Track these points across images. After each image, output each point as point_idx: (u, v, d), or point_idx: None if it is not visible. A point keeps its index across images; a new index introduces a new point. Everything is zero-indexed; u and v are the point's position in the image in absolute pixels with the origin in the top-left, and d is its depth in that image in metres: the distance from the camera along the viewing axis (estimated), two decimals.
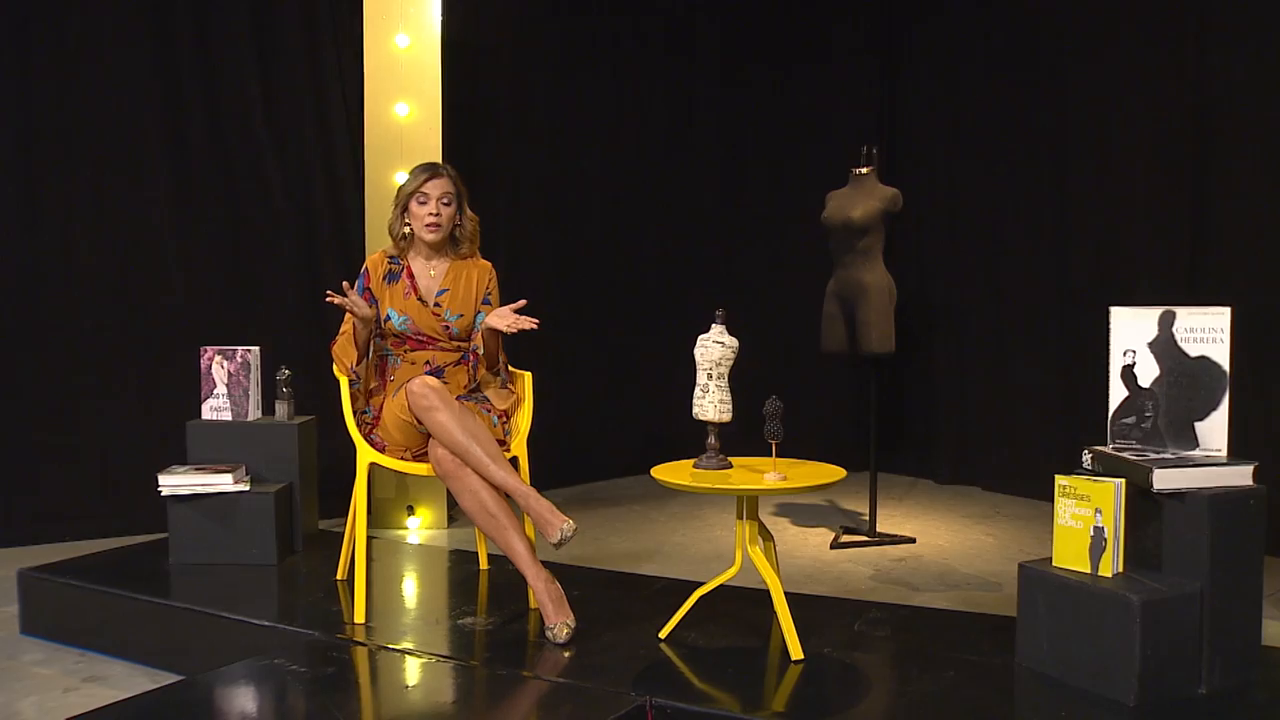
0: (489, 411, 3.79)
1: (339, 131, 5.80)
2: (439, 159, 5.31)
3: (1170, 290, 5.13)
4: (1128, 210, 5.65)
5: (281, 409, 4.63)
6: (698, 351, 3.43)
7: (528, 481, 3.62)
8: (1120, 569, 2.99)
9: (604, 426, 6.71)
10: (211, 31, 5.57)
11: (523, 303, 3.74)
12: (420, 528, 5.45)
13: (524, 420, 3.87)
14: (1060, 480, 3.07)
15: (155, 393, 5.38)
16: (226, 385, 4.57)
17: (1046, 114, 6.07)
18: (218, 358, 4.58)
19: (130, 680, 3.64)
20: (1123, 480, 2.98)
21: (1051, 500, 5.32)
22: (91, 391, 5.37)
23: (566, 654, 3.34)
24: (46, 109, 5.29)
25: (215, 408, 4.58)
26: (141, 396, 5.41)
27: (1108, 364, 3.19)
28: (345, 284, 3.70)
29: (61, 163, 5.34)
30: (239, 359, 4.57)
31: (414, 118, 5.45)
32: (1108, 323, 3.23)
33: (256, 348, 4.63)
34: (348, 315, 3.85)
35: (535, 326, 3.64)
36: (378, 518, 5.45)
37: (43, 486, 5.30)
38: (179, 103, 5.53)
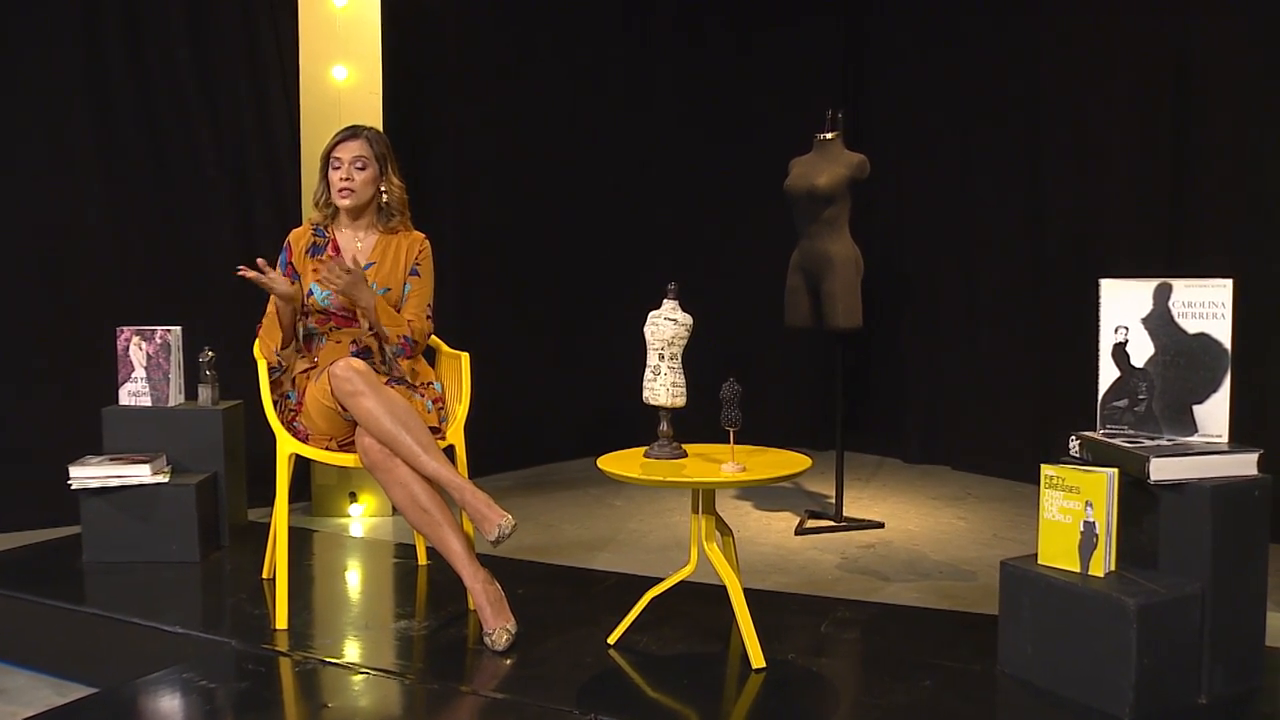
0: (422, 395, 3.49)
1: (274, 96, 5.46)
2: (379, 125, 5.02)
3: (1149, 261, 4.91)
4: (1105, 177, 5.42)
5: (205, 393, 4.32)
6: (648, 330, 3.14)
7: (465, 473, 3.34)
8: (1113, 568, 2.73)
9: (556, 406, 6.44)
10: None
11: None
12: (364, 515, 5.15)
13: (461, 406, 3.56)
14: (1047, 470, 2.80)
15: (74, 376, 5.03)
16: (145, 368, 4.25)
17: (1020, 77, 5.82)
18: (135, 338, 4.26)
19: (34, 693, 3.36)
20: (1115, 470, 2.72)
21: (1024, 480, 5.13)
22: (5, 374, 5.01)
23: (506, 662, 3.06)
24: None
25: (133, 392, 4.26)
26: (59, 380, 5.06)
27: (1092, 340, 2.93)
28: (260, 260, 3.39)
29: None
30: (158, 340, 4.25)
31: (353, 81, 5.14)
32: (1097, 296, 2.96)
33: (178, 327, 4.31)
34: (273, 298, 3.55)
35: (341, 268, 3.36)
36: (318, 505, 5.18)
37: None
38: (103, 65, 5.16)
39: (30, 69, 5.04)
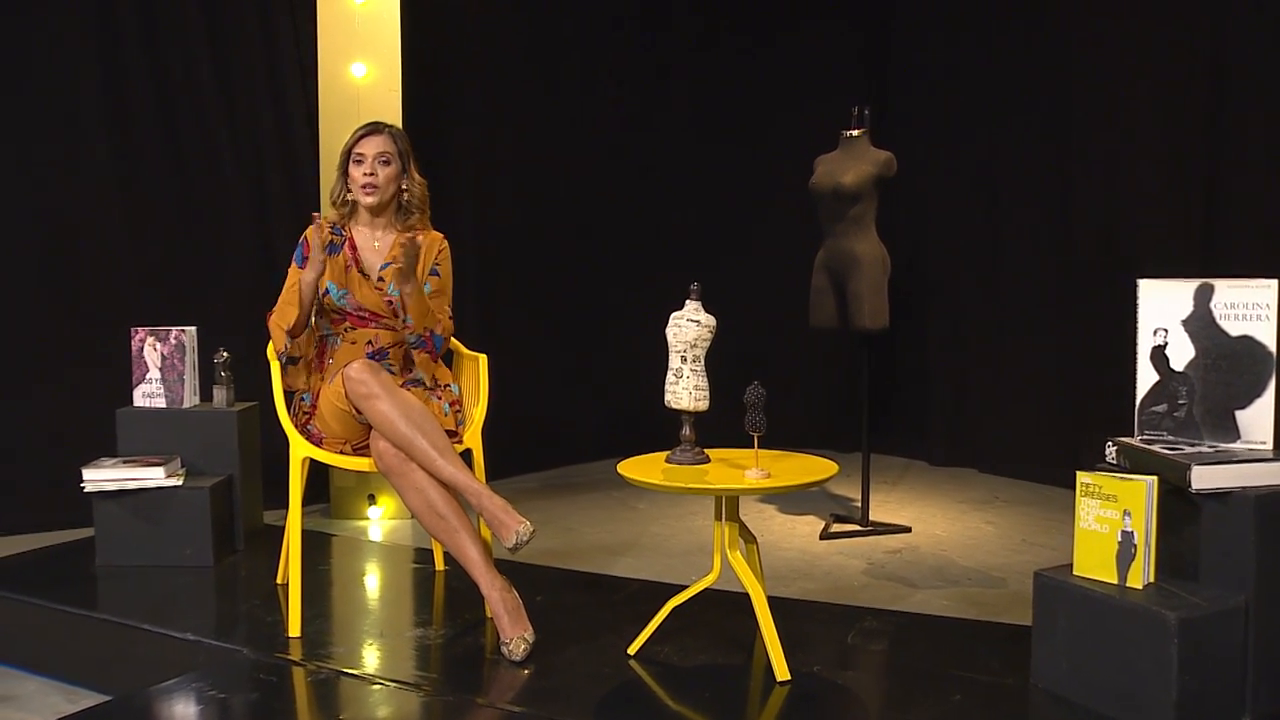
0: (439, 398, 3.41)
1: (292, 93, 5.41)
2: (399, 123, 4.95)
3: (1181, 261, 4.81)
4: (1135, 174, 5.31)
5: (220, 394, 4.25)
6: (670, 332, 3.05)
7: (482, 477, 3.26)
8: (1151, 579, 2.62)
9: (579, 407, 6.38)
10: None
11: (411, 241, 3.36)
12: (383, 518, 5.09)
13: (479, 409, 3.48)
14: (1083, 478, 2.70)
15: (89, 376, 4.97)
16: (160, 369, 4.19)
17: (1050, 72, 5.71)
18: (150, 339, 4.19)
19: (44, 700, 3.31)
20: (1154, 478, 2.61)
21: (1053, 483, 5.02)
22: (20, 374, 4.96)
23: (524, 673, 2.98)
24: None
25: (148, 393, 4.20)
26: (74, 380, 5.01)
27: (1123, 340, 2.82)
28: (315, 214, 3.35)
29: None
30: (173, 340, 4.18)
31: (372, 78, 5.08)
32: (1131, 296, 2.86)
33: (193, 328, 4.25)
34: (288, 284, 3.48)
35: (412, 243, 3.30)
36: (337, 507, 5.13)
37: None
38: (120, 63, 5.12)
39: (46, 68, 5.00)
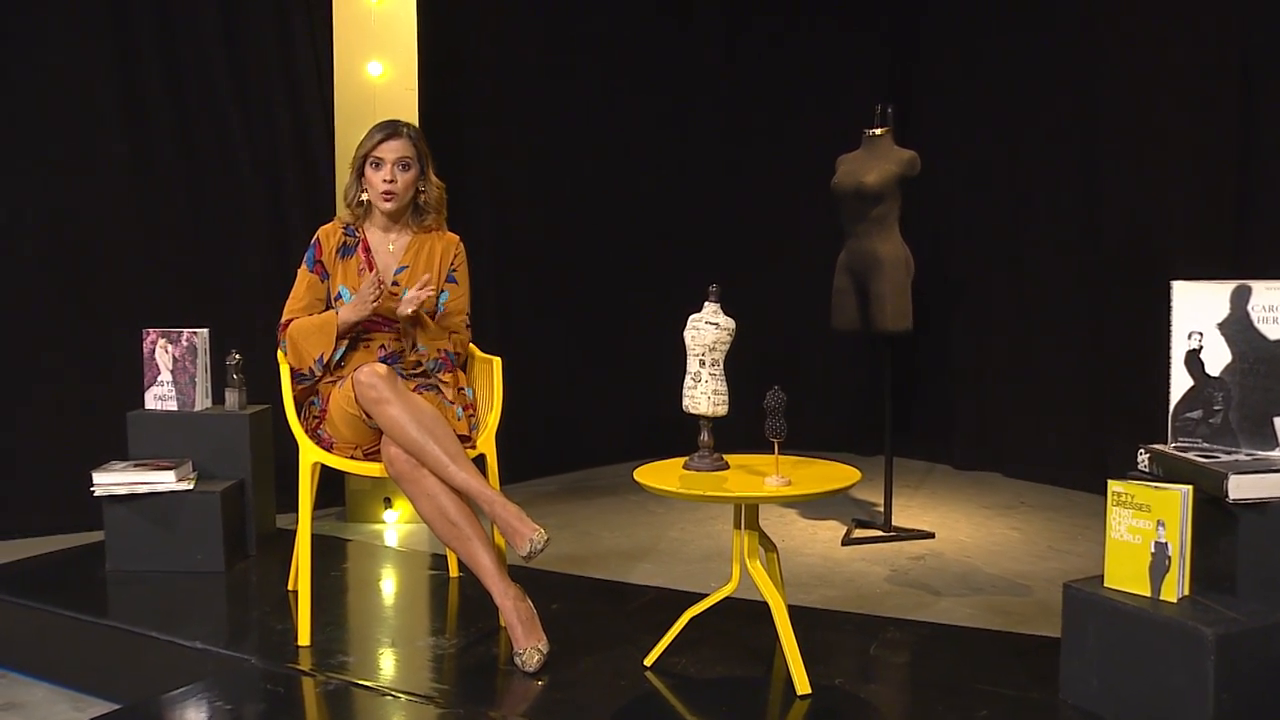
0: (452, 402, 3.33)
1: (308, 92, 5.35)
2: (415, 122, 4.88)
3: (1212, 262, 4.70)
4: (1165, 173, 5.18)
5: (232, 397, 4.20)
6: (688, 335, 2.98)
7: (496, 484, 3.18)
8: (1186, 592, 2.53)
9: (598, 410, 6.30)
10: None
11: (426, 278, 3.34)
12: (399, 521, 5.03)
13: (493, 413, 3.40)
14: (1114, 486, 2.61)
15: (101, 378, 4.94)
16: (172, 371, 4.14)
17: (1076, 69, 5.60)
18: (162, 341, 4.14)
19: (51, 708, 3.27)
20: (1189, 487, 2.53)
21: (1079, 488, 4.93)
22: (31, 375, 4.92)
23: (537, 684, 2.91)
24: None
25: (159, 396, 4.15)
26: (86, 381, 4.97)
27: (1152, 343, 2.73)
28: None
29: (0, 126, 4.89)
30: (185, 342, 4.13)
31: (388, 77, 5.03)
32: (1164, 298, 2.77)
33: (205, 330, 4.19)
34: (301, 290, 3.43)
35: (430, 288, 3.30)
36: (352, 511, 5.07)
37: None
38: (135, 62, 5.07)
39: (61, 66, 4.96)
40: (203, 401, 4.17)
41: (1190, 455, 2.63)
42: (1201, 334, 2.69)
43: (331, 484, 4.82)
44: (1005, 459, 6.09)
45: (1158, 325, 2.78)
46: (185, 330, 4.14)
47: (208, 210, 5.24)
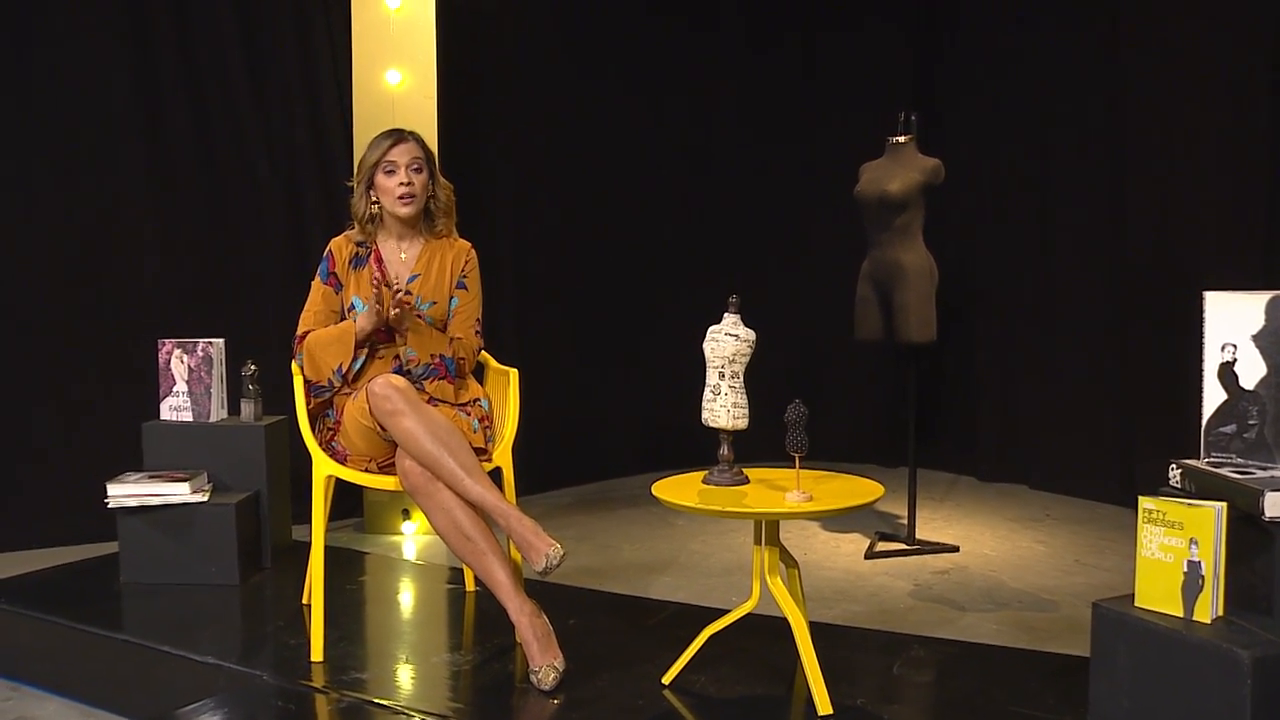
0: (468, 414, 3.28)
1: (327, 100, 5.32)
2: (434, 130, 4.88)
3: (1242, 272, 4.63)
4: (1194, 182, 5.11)
5: (248, 408, 4.16)
6: (707, 347, 2.92)
7: (512, 497, 3.13)
8: (1221, 613, 2.45)
9: (618, 420, 6.25)
10: None
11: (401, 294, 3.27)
12: (417, 533, 4.98)
13: (509, 425, 3.35)
14: (1145, 503, 2.53)
15: (117, 388, 4.91)
16: (187, 382, 4.10)
17: (1103, 77, 5.53)
18: (177, 351, 4.11)
19: None
20: (1223, 504, 2.45)
21: (1106, 501, 4.84)
22: (47, 385, 4.90)
23: (553, 702, 2.85)
24: (1, 73, 4.82)
25: (175, 407, 4.12)
26: (102, 391, 4.94)
27: (1181, 353, 2.66)
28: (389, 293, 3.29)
29: (20, 134, 4.86)
30: (200, 353, 4.09)
31: (407, 85, 5.00)
32: (1194, 308, 2.69)
33: (220, 340, 4.16)
34: (316, 302, 3.39)
35: (403, 298, 3.23)
36: (370, 522, 5.03)
37: None
38: (153, 71, 5.05)
39: (78, 74, 4.95)
40: (218, 412, 4.14)
41: (1224, 471, 2.56)
42: (1235, 346, 2.62)
43: (349, 495, 4.78)
44: (1031, 471, 6.01)
45: (1186, 335, 2.70)
46: (201, 340, 4.10)
47: (225, 220, 5.22)
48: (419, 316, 3.34)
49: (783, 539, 2.90)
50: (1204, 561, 2.45)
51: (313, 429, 3.31)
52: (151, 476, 3.92)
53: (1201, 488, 2.58)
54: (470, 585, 3.81)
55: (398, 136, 3.40)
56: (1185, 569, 2.48)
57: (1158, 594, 2.53)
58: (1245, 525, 2.46)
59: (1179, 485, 2.66)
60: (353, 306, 3.36)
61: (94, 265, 4.98)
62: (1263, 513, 2.39)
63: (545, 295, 5.95)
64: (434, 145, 4.25)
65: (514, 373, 3.46)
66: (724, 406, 2.89)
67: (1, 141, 4.85)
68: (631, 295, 6.30)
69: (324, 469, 3.20)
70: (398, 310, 3.22)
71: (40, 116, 4.89)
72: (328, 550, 3.25)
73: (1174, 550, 2.49)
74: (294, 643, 3.30)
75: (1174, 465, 2.69)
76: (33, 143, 4.89)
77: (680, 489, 2.87)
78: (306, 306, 3.42)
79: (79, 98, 4.94)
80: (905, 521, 4.82)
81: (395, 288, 3.29)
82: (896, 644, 3.31)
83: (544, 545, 2.87)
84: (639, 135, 6.29)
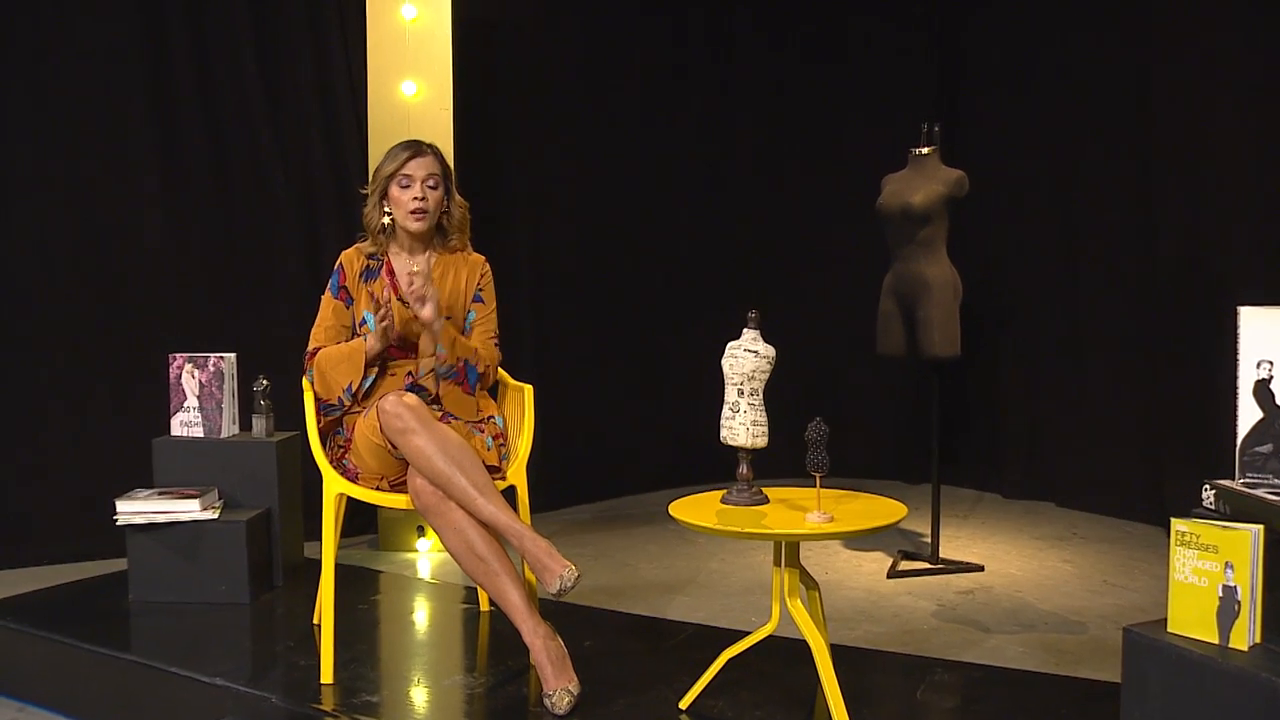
0: (481, 431, 3.22)
1: (342, 112, 5.29)
2: (450, 142, 4.82)
3: (1275, 285, 4.51)
4: (1226, 192, 5.00)
5: (259, 424, 4.10)
6: (726, 363, 2.85)
7: (526, 517, 3.06)
8: (1258, 640, 2.36)
9: (637, 437, 6.18)
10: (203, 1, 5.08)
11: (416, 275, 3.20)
12: (431, 550, 4.92)
13: (523, 442, 3.28)
14: (1178, 525, 2.44)
15: (129, 402, 4.87)
16: (198, 397, 4.05)
17: (1130, 87, 5.44)
18: (188, 366, 4.06)
19: None
20: (1260, 526, 2.36)
21: (1134, 519, 4.73)
22: (59, 399, 4.86)
23: None
24: (18, 83, 4.80)
25: (185, 422, 4.06)
26: (113, 406, 4.91)
27: (1210, 368, 2.57)
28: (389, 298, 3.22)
29: (34, 145, 4.84)
30: (211, 368, 4.04)
31: (423, 96, 4.95)
32: (1224, 323, 2.60)
33: (232, 355, 4.11)
34: (327, 317, 3.34)
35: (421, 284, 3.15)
36: (385, 539, 4.98)
37: (3, 505, 4.80)
38: (167, 81, 5.03)
39: (94, 86, 4.93)
40: (229, 428, 4.08)
41: (1260, 492, 2.46)
42: (1271, 363, 2.53)
43: (363, 511, 4.72)
44: (1057, 488, 5.92)
45: (1216, 351, 2.61)
46: (212, 355, 4.05)
47: (239, 232, 5.19)
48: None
49: (803, 557, 2.83)
50: (1240, 586, 2.36)
51: (324, 446, 3.25)
52: (161, 493, 3.87)
53: (1237, 509, 2.49)
54: (485, 605, 3.74)
55: (416, 149, 3.34)
56: (1220, 594, 2.39)
57: (1191, 620, 2.44)
58: None
59: (1213, 507, 2.57)
60: (363, 321, 3.30)
61: (106, 278, 4.95)
62: None
63: (561, 310, 5.89)
64: (449, 157, 4.20)
65: (529, 389, 3.39)
66: (743, 424, 2.82)
67: (17, 153, 4.83)
68: (649, 309, 6.23)
69: (335, 487, 3.13)
70: (417, 289, 3.15)
71: (56, 128, 4.87)
72: (340, 568, 3.19)
73: (1208, 574, 2.40)
74: (304, 663, 3.24)
75: (1207, 486, 2.59)
76: (48, 154, 4.87)
77: (698, 509, 2.80)
78: (317, 322, 3.37)
79: (94, 110, 4.92)
80: (929, 540, 4.74)
81: (388, 301, 3.23)
82: (920, 667, 3.23)
83: (558, 567, 2.80)
84: (657, 147, 6.23)
